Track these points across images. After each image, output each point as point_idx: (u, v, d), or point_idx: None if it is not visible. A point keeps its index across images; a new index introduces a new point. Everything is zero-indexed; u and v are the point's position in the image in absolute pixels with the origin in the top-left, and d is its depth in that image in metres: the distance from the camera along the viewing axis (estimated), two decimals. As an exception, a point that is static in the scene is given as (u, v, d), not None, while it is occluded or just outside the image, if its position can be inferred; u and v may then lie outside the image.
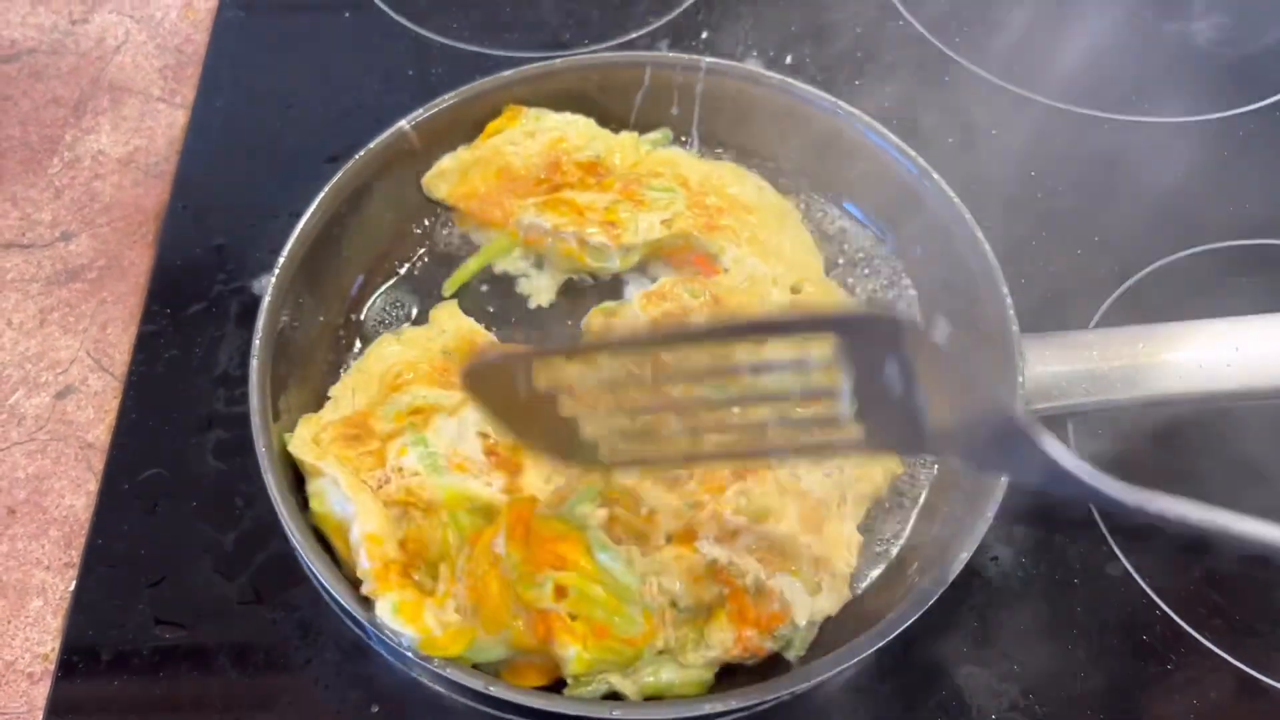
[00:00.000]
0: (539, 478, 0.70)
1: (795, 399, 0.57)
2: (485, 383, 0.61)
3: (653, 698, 0.67)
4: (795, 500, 0.71)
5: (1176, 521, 0.51)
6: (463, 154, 0.87)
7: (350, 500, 0.67)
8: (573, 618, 0.64)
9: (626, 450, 0.62)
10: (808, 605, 0.69)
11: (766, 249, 0.83)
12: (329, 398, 0.77)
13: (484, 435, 0.70)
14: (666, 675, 0.67)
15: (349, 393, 0.77)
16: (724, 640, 0.68)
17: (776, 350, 0.54)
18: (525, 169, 0.86)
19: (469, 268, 0.85)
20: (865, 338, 0.53)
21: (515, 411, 0.61)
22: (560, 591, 0.64)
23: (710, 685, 0.69)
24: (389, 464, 0.70)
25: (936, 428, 0.55)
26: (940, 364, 0.52)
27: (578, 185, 0.85)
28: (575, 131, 0.88)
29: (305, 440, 0.72)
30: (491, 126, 0.87)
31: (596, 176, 0.86)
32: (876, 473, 0.76)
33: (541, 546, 0.64)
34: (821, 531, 0.71)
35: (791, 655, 0.70)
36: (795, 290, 0.82)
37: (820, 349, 0.54)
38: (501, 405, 0.62)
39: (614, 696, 0.67)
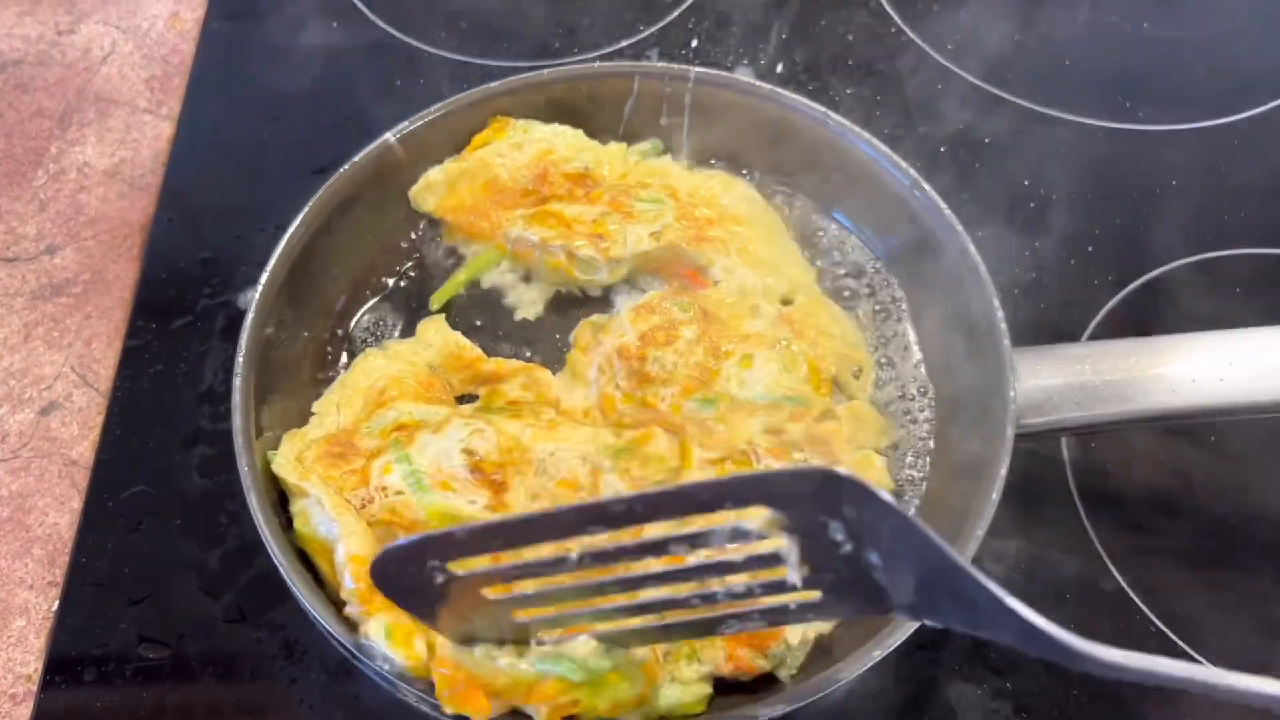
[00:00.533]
0: (524, 494, 0.69)
1: (737, 570, 0.52)
2: (396, 575, 0.56)
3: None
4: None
5: (1157, 679, 0.45)
6: (450, 166, 0.86)
7: (334, 521, 0.67)
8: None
9: (564, 630, 0.58)
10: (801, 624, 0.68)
11: (757, 260, 0.82)
12: (314, 413, 0.76)
13: (468, 452, 0.70)
14: (668, 699, 0.66)
15: (333, 408, 0.76)
16: (715, 657, 0.67)
17: (713, 519, 0.49)
18: (513, 181, 0.85)
19: (456, 281, 0.85)
20: (804, 498, 0.48)
21: (431, 600, 0.56)
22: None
23: (710, 697, 0.68)
24: (373, 483, 0.69)
25: (898, 587, 0.50)
26: (888, 521, 0.48)
27: (566, 197, 0.84)
28: (563, 143, 0.87)
29: (289, 459, 0.71)
30: (478, 138, 0.86)
31: (585, 188, 0.85)
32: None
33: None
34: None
35: (784, 674, 0.69)
36: (786, 301, 0.81)
37: (759, 515, 0.49)
38: (417, 597, 0.56)
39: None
